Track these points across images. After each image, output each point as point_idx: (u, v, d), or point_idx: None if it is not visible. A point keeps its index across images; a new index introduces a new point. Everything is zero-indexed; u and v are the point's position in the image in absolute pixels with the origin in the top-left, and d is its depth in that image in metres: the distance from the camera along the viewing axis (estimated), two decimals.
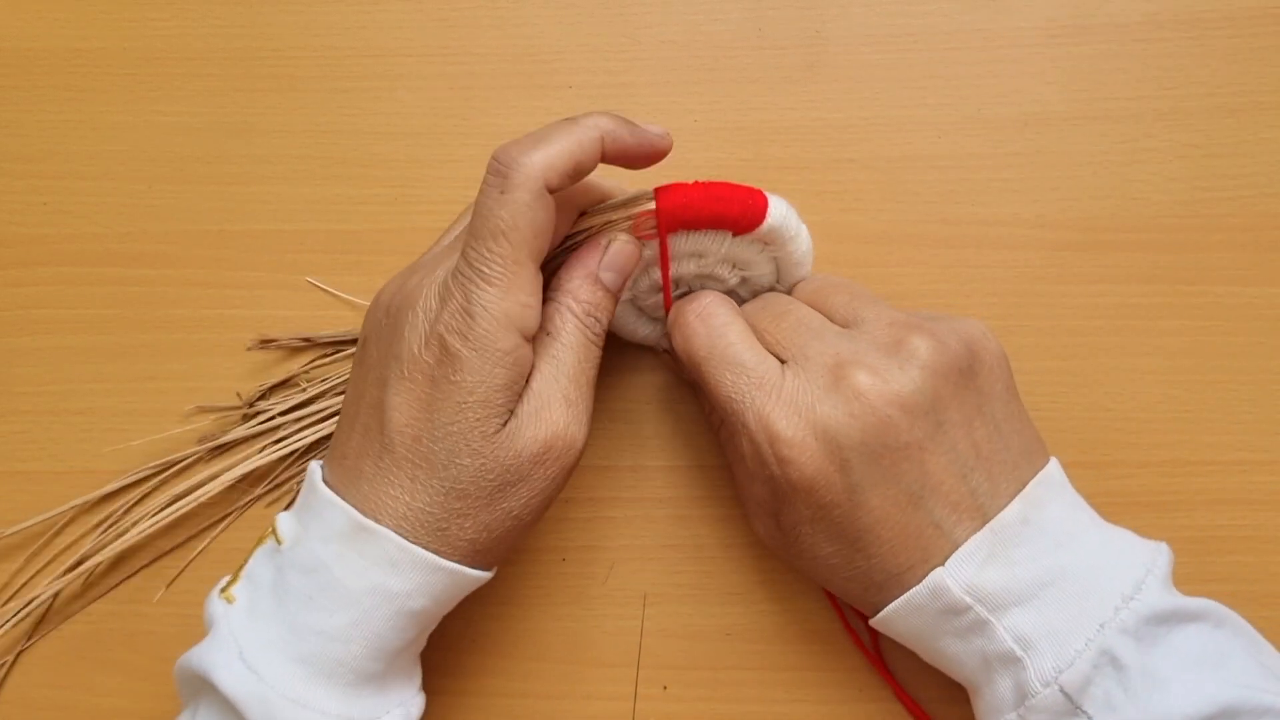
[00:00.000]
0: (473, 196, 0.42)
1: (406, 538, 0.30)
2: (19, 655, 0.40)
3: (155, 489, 0.41)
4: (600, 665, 0.39)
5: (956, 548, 0.31)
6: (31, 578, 0.41)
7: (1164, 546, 0.32)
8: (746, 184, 0.34)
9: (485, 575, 0.33)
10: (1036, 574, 0.31)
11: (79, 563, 0.40)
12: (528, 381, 0.32)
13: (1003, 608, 0.31)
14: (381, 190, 0.43)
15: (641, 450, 0.41)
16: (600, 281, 0.33)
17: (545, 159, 0.30)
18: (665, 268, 0.35)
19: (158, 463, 0.41)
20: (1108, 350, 0.41)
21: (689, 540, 0.40)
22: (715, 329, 0.34)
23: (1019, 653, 0.30)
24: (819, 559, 0.33)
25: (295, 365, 0.42)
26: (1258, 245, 0.41)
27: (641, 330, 0.39)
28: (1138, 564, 0.31)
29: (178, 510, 0.40)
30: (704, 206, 0.34)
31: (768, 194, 0.35)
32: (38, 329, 0.43)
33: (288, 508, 0.35)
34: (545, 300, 0.33)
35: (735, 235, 0.35)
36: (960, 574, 0.31)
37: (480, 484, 0.31)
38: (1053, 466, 0.33)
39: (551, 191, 0.30)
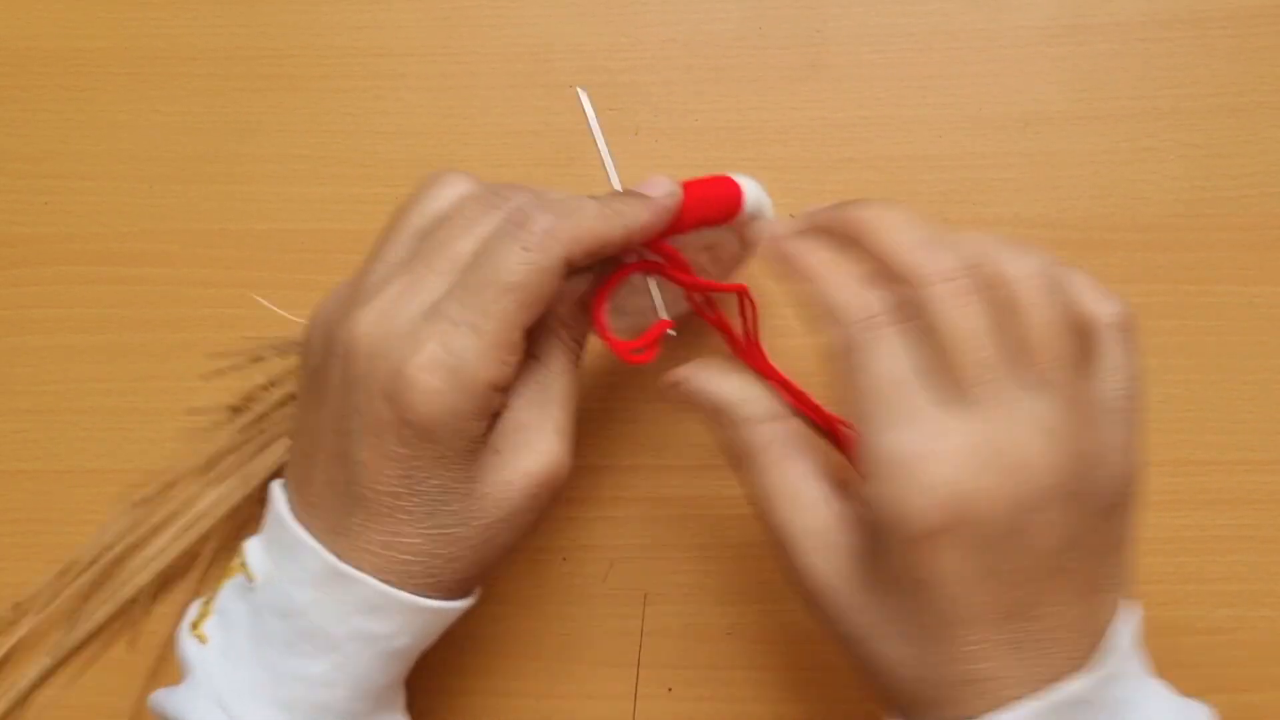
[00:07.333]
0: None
1: (390, 583, 0.29)
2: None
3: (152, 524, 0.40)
4: (600, 665, 0.39)
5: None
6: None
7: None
8: (716, 175, 0.34)
9: (469, 603, 0.32)
10: None
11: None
12: (506, 409, 0.30)
13: None
14: (381, 190, 0.43)
15: (641, 450, 0.41)
16: (585, 306, 0.32)
17: (574, 233, 0.29)
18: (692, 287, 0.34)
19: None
20: None
21: (689, 540, 0.40)
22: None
23: None
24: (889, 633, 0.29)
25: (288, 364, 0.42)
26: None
27: (615, 322, 0.37)
28: None
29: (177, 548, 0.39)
30: (689, 218, 0.33)
31: (736, 178, 0.34)
32: (38, 329, 0.43)
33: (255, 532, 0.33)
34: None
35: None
36: None
37: (470, 525, 0.30)
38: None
39: (568, 268, 0.29)
